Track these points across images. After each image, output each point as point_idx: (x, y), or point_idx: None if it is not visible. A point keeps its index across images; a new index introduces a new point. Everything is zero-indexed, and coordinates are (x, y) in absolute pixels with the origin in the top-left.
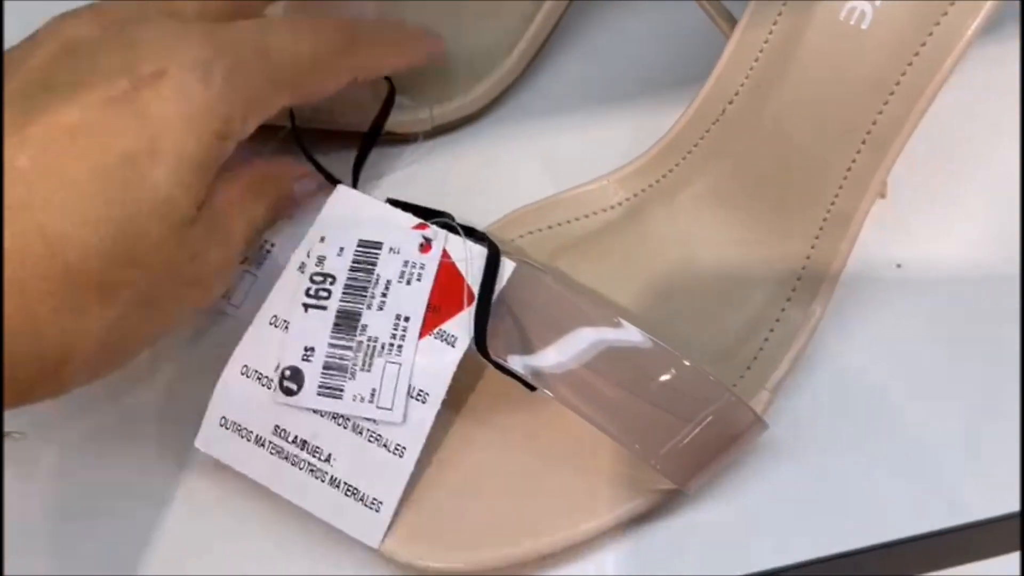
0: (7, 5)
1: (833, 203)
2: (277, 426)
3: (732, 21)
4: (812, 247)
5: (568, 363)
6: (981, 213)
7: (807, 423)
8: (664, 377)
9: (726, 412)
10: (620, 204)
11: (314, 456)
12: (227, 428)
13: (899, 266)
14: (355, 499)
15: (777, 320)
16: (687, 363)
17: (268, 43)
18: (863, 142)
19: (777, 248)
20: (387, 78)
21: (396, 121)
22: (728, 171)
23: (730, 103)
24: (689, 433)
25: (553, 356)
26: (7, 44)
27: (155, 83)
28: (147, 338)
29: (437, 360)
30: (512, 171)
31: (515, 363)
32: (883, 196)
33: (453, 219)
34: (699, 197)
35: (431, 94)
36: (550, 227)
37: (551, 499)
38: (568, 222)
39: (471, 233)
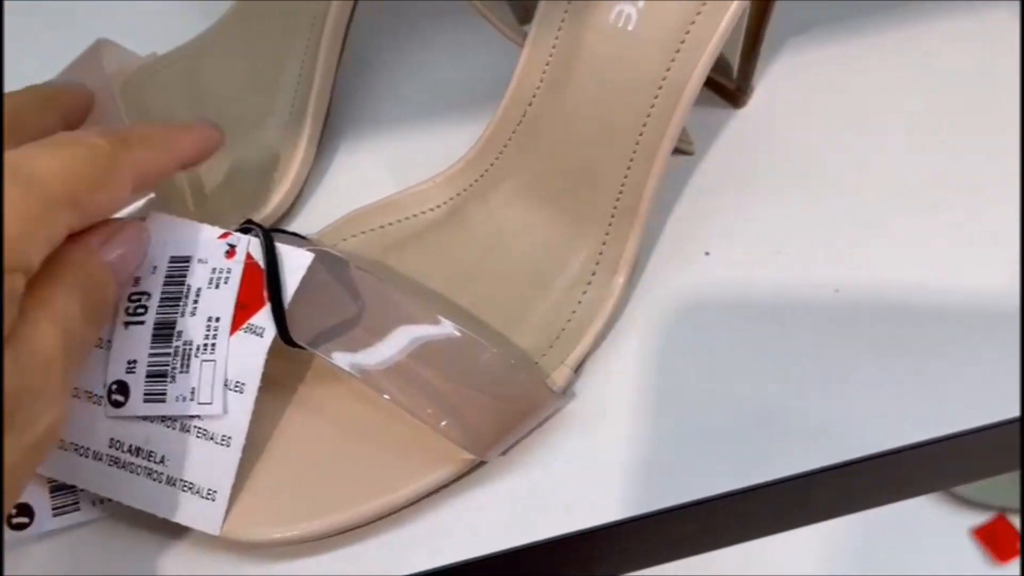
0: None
1: (620, 193)
2: (112, 438)
3: (522, 33)
4: (607, 233)
5: (373, 345)
6: (785, 202)
7: (613, 395)
8: (465, 360)
9: (522, 389)
10: (444, 203)
11: (149, 460)
12: (66, 449)
13: (708, 254)
14: (192, 493)
15: (579, 302)
16: (486, 346)
17: (29, 167)
18: (640, 135)
19: (577, 238)
20: None
21: None
22: (532, 169)
23: (530, 105)
24: (487, 409)
25: (360, 339)
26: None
27: None
28: None
29: (249, 351)
30: (364, 179)
31: (324, 347)
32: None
33: (255, 224)
34: (510, 194)
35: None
36: (381, 227)
37: (365, 472)
38: (398, 221)
39: (283, 233)
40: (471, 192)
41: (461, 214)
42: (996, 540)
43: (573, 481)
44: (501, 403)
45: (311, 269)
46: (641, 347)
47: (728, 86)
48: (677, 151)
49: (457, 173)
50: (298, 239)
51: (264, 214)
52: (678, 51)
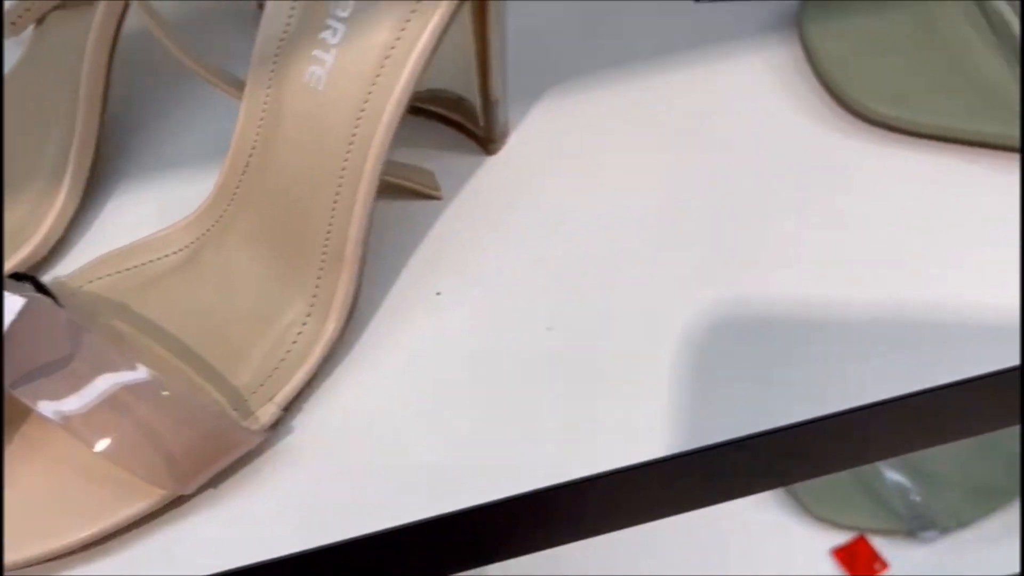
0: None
1: (327, 242)
2: None
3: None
4: (319, 278)
5: (74, 392)
6: (521, 246)
7: (333, 430)
8: (159, 402)
9: (216, 426)
10: (185, 247)
11: None
12: None
13: (439, 294)
14: None
15: (294, 343)
16: (184, 388)
17: None
18: (339, 187)
19: (293, 282)
20: None
21: None
22: (256, 216)
23: (251, 157)
24: (180, 447)
25: (62, 385)
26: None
27: None
28: None
29: None
30: (131, 226)
31: (24, 391)
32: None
33: None
34: (238, 239)
35: None
36: (128, 269)
37: (66, 506)
38: (143, 264)
39: (17, 280)
40: (207, 237)
41: (198, 258)
42: (855, 560)
43: (282, 511)
44: (195, 440)
45: (21, 315)
46: (363, 384)
47: (478, 133)
48: (424, 196)
49: (196, 219)
50: (25, 285)
51: (13, 262)
52: (363, 110)
